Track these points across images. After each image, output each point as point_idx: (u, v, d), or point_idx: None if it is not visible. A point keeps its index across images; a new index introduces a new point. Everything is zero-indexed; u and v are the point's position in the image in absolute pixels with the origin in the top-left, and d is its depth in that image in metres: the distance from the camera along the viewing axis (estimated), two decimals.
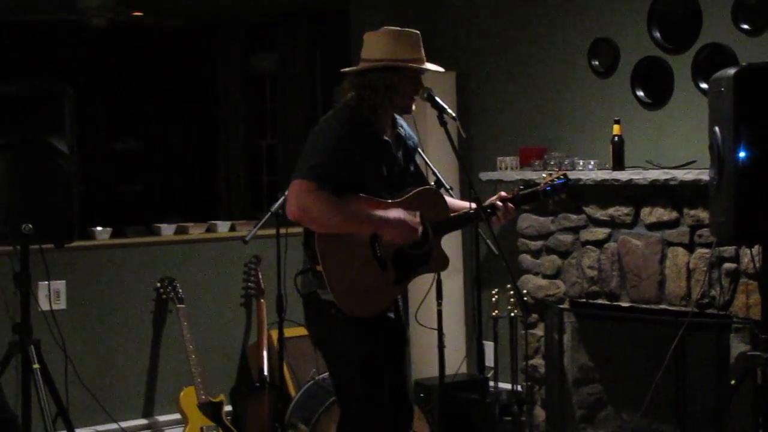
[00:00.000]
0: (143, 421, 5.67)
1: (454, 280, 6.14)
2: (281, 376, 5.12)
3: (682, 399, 5.05)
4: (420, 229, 3.79)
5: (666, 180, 4.96)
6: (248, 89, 9.37)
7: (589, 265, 5.43)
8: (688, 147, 5.16)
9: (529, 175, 5.51)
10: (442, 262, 3.96)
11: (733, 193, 4.05)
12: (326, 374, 5.10)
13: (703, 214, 4.88)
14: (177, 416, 5.52)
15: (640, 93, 5.48)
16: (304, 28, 8.08)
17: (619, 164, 5.28)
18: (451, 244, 6.07)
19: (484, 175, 5.79)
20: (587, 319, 5.56)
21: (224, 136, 9.42)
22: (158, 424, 5.69)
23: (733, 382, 4.47)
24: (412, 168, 3.99)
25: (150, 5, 8.26)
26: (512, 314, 5.59)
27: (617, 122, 5.29)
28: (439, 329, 4.39)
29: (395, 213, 3.76)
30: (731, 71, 4.08)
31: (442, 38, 6.28)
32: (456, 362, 5.62)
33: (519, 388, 5.69)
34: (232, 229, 6.10)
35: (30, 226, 4.44)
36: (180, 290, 5.58)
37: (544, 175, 4.07)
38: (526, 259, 5.74)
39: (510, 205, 3.92)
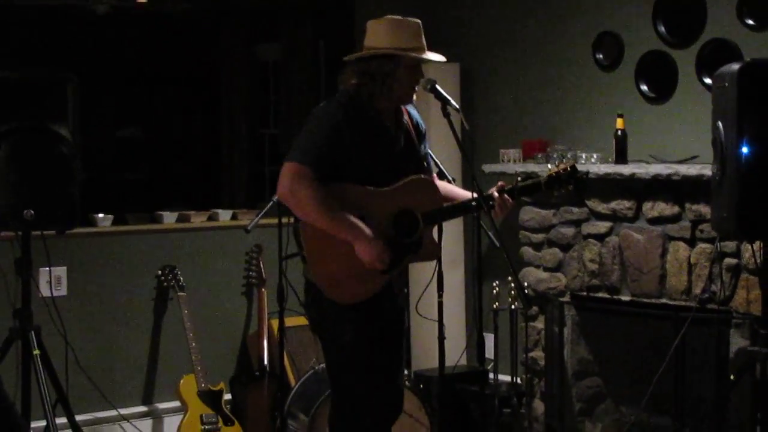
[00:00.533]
0: (143, 408, 5.67)
1: (455, 272, 6.14)
2: (281, 366, 5.13)
3: (682, 393, 5.06)
4: (383, 265, 3.78)
5: (668, 174, 4.96)
6: (251, 78, 9.34)
7: (590, 259, 5.43)
8: (691, 142, 5.16)
9: (531, 167, 5.50)
10: (433, 252, 3.96)
11: (735, 189, 4.06)
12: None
13: (704, 209, 4.88)
14: (177, 404, 5.53)
15: (644, 87, 5.47)
16: (307, 18, 8.05)
17: (621, 158, 5.28)
18: (453, 235, 6.07)
19: (487, 167, 5.78)
20: (588, 313, 5.57)
21: (227, 124, 9.39)
22: (158, 411, 5.70)
23: (732, 377, 4.48)
24: (416, 157, 3.98)
25: None
26: (513, 306, 5.59)
27: (620, 116, 5.29)
28: (440, 321, 4.39)
29: (372, 237, 3.74)
30: (735, 66, 4.08)
31: (447, 30, 6.27)
32: (456, 354, 5.62)
33: (518, 380, 5.70)
34: (234, 217, 6.10)
35: (32, 212, 4.45)
36: (181, 278, 5.59)
37: (549, 167, 4.03)
38: (527, 251, 5.74)
39: (507, 196, 3.90)
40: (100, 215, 5.71)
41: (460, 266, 6.26)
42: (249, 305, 5.97)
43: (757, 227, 4.13)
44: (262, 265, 5.78)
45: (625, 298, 5.31)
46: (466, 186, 4.07)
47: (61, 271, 5.41)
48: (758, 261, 4.41)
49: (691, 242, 5.01)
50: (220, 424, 5.34)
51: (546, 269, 5.66)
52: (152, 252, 5.71)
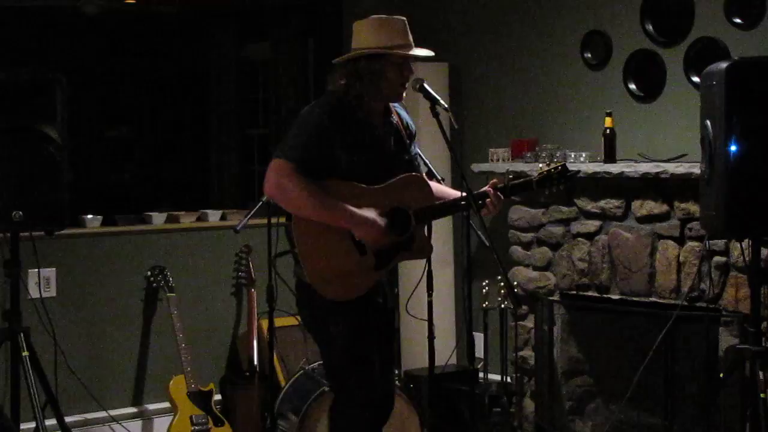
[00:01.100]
0: (132, 410, 5.66)
1: (444, 271, 6.15)
2: (271, 366, 5.13)
3: (671, 391, 5.07)
4: (385, 239, 3.79)
5: (657, 173, 4.96)
6: (240, 78, 9.34)
7: (579, 258, 5.44)
8: (679, 140, 5.16)
9: (520, 166, 5.51)
10: (425, 249, 3.98)
11: (723, 187, 4.06)
12: (316, 364, 5.11)
13: (693, 208, 4.89)
14: (166, 405, 5.52)
15: (633, 86, 5.48)
16: (296, 18, 8.05)
17: (610, 157, 5.28)
18: (442, 235, 6.08)
19: (476, 167, 5.79)
20: (577, 311, 5.57)
21: (216, 124, 9.39)
22: (147, 412, 5.69)
23: (721, 375, 4.48)
24: (406, 157, 3.99)
25: None
26: (502, 306, 5.60)
27: (609, 115, 5.29)
28: (430, 320, 4.40)
29: (369, 213, 3.77)
30: (723, 65, 4.08)
31: (435, 29, 6.27)
32: (446, 353, 5.62)
33: (508, 379, 5.70)
34: (223, 218, 6.09)
35: (20, 213, 4.44)
36: (170, 279, 5.58)
37: (540, 166, 4.05)
38: (516, 250, 5.74)
39: (499, 194, 3.92)
40: (89, 216, 5.70)
41: (450, 265, 6.26)
42: (238, 305, 5.97)
43: (746, 225, 4.14)
44: (251, 266, 5.77)
45: (615, 296, 5.32)
46: (455, 185, 4.07)
47: (50, 272, 5.40)
48: (747, 259, 4.42)
49: (680, 241, 5.02)
50: (210, 424, 5.33)
51: (535, 268, 5.66)
52: (141, 253, 5.70)
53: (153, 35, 9.34)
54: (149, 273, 5.63)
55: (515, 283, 5.63)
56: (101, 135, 9.62)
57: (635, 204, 5.19)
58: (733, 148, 4.04)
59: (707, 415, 4.83)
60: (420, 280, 4.32)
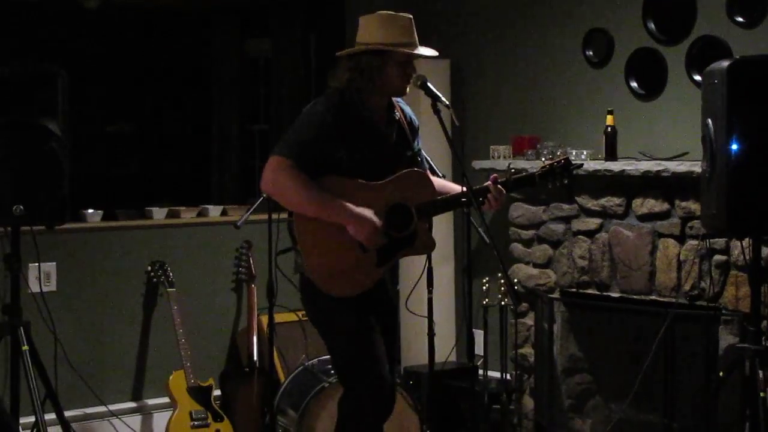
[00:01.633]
0: (132, 404, 5.67)
1: (444, 268, 6.14)
2: (271, 362, 5.12)
3: (671, 390, 5.07)
4: (378, 238, 3.79)
5: (658, 171, 4.96)
6: (242, 74, 9.34)
7: (580, 255, 5.44)
8: (680, 139, 5.16)
9: (521, 164, 5.50)
10: (428, 245, 3.97)
11: (724, 186, 4.06)
12: (316, 360, 5.11)
13: (694, 206, 4.89)
14: (166, 400, 5.52)
15: (634, 84, 5.48)
16: (299, 13, 8.05)
17: (611, 155, 5.28)
18: (443, 232, 6.07)
19: (477, 164, 5.79)
20: (577, 309, 5.57)
21: (217, 120, 9.39)
22: (147, 407, 5.69)
23: (721, 373, 4.48)
24: (408, 153, 3.99)
25: None
26: (502, 303, 5.59)
27: (610, 113, 5.29)
28: (429, 317, 4.39)
29: (365, 211, 3.77)
30: (725, 64, 4.08)
31: (437, 26, 6.27)
32: (446, 350, 5.62)
33: (508, 376, 5.70)
34: (224, 213, 6.09)
35: (21, 207, 4.43)
36: (171, 274, 5.58)
37: (543, 160, 4.05)
38: (517, 248, 5.74)
39: (500, 188, 3.91)
40: (90, 211, 5.70)
41: (450, 262, 6.26)
42: (239, 301, 5.97)
43: (747, 224, 4.14)
44: (251, 261, 5.77)
45: (615, 294, 5.32)
46: (456, 182, 4.07)
47: (50, 266, 5.40)
48: (747, 258, 4.42)
49: (681, 239, 5.02)
50: (210, 420, 5.33)
51: (536, 265, 5.66)
52: (142, 248, 5.70)
53: (155, 30, 9.33)
54: (149, 268, 5.63)
55: (515, 280, 5.63)
56: (102, 129, 9.62)
57: (636, 202, 5.19)
58: (734, 146, 4.04)
59: (707, 414, 4.83)
60: (420, 277, 4.32)
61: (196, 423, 5.29)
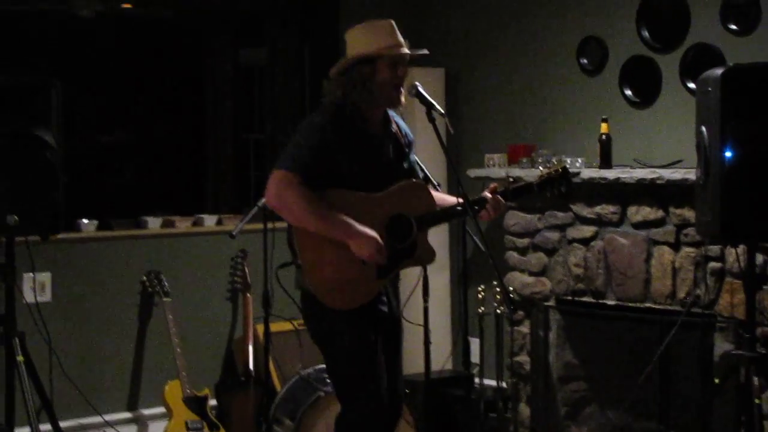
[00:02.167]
0: (128, 415, 5.66)
1: (440, 277, 6.15)
2: (267, 371, 5.12)
3: (666, 397, 5.07)
4: (381, 257, 3.79)
5: (653, 179, 4.97)
6: (236, 83, 9.34)
7: (575, 263, 5.44)
8: (675, 146, 5.17)
9: (517, 172, 5.50)
10: (428, 256, 3.97)
11: (719, 193, 4.07)
12: (311, 369, 5.11)
13: (689, 214, 4.90)
14: (162, 410, 5.51)
15: (628, 92, 5.48)
16: (293, 22, 8.05)
17: (606, 163, 5.28)
18: (438, 240, 6.07)
19: (472, 172, 5.79)
20: (573, 317, 5.57)
21: (212, 129, 9.38)
22: (143, 417, 5.68)
23: (716, 380, 4.49)
24: (405, 165, 3.99)
25: None
26: (498, 311, 5.59)
27: (605, 121, 5.30)
28: (425, 325, 4.40)
29: (368, 230, 3.76)
30: (719, 71, 4.09)
31: (432, 34, 6.28)
32: (442, 358, 5.63)
33: (504, 384, 5.70)
34: (219, 223, 6.09)
35: (15, 217, 4.43)
36: (166, 284, 5.57)
37: (540, 169, 4.06)
38: (512, 256, 5.75)
39: (500, 198, 3.93)
40: (85, 221, 5.69)
41: (446, 271, 6.26)
42: (234, 310, 5.96)
43: (741, 231, 4.14)
44: (247, 271, 5.77)
45: (610, 302, 5.32)
46: (451, 191, 4.08)
47: (45, 276, 5.39)
48: (742, 265, 4.42)
49: (676, 246, 5.02)
50: (206, 429, 5.32)
51: (531, 274, 5.66)
52: (137, 257, 5.70)
53: (149, 40, 9.33)
54: (145, 278, 5.63)
55: (511, 288, 5.63)
56: (96, 139, 9.61)
57: (631, 210, 5.20)
58: (728, 154, 4.04)
59: (702, 421, 4.83)
60: (416, 286, 4.32)
61: None
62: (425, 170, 4.26)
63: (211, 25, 9.26)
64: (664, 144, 5.28)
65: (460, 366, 5.58)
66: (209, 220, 6.06)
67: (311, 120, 3.85)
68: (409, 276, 4.33)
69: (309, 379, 5.08)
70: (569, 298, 5.51)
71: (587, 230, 5.39)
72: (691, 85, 5.06)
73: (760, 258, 4.54)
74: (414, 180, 3.96)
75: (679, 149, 5.08)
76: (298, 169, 3.69)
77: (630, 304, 5.22)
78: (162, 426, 5.41)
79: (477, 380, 5.70)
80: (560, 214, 5.50)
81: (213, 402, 5.53)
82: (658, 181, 4.95)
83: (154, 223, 5.90)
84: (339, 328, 3.81)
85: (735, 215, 4.07)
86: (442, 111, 3.87)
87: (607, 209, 5.29)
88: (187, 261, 5.86)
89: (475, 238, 4.46)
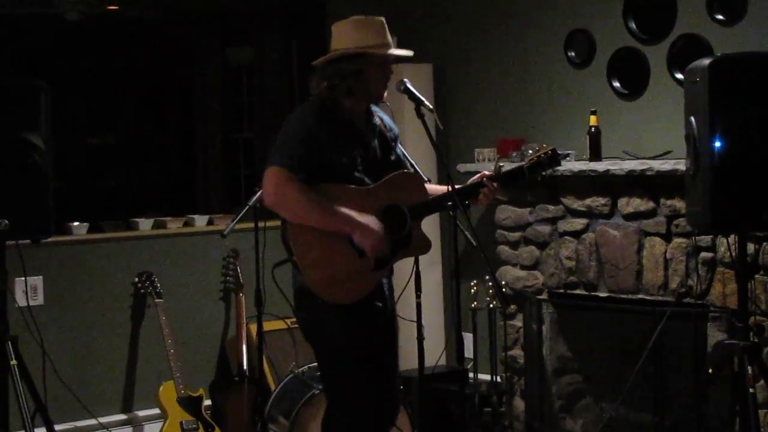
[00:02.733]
0: (122, 417, 5.65)
1: (432, 272, 6.15)
2: (260, 370, 5.12)
3: (660, 388, 5.08)
4: (383, 248, 3.79)
5: (643, 170, 4.97)
6: (224, 82, 9.34)
7: (566, 256, 5.45)
8: (664, 137, 5.18)
9: (506, 166, 5.50)
10: (423, 246, 3.97)
11: (708, 183, 4.07)
12: (305, 368, 5.11)
13: (679, 204, 4.90)
14: (156, 411, 5.51)
15: (617, 84, 5.49)
16: (280, 21, 8.05)
17: (596, 155, 5.29)
18: (430, 235, 6.03)
19: (462, 167, 5.79)
20: (566, 310, 5.58)
21: (201, 129, 9.38)
22: (137, 419, 5.68)
23: (710, 370, 4.49)
24: (392, 158, 3.99)
25: None
26: (491, 305, 5.60)
27: (594, 113, 5.30)
28: (419, 321, 4.40)
29: (369, 220, 3.76)
30: (706, 61, 4.09)
31: (419, 30, 6.28)
32: (435, 354, 5.61)
33: (498, 379, 5.71)
34: (210, 222, 6.08)
35: (6, 221, 4.41)
36: (158, 285, 5.57)
37: (530, 152, 4.06)
38: (504, 250, 5.75)
39: (493, 183, 3.93)
40: (75, 223, 5.68)
41: (438, 266, 6.26)
42: (227, 310, 5.96)
43: (732, 221, 4.15)
44: (239, 270, 5.77)
45: (603, 294, 5.32)
46: (442, 185, 4.07)
47: (37, 280, 5.39)
48: (733, 254, 4.43)
49: (667, 237, 5.03)
50: (201, 430, 5.32)
51: (523, 267, 5.67)
52: (128, 259, 5.69)
53: (136, 41, 9.32)
54: (137, 279, 5.62)
55: (503, 282, 5.63)
56: (85, 141, 9.59)
57: (621, 201, 5.20)
58: (717, 144, 4.05)
59: (697, 411, 4.84)
60: (408, 282, 4.32)
61: None
62: (415, 165, 4.26)
63: (198, 25, 9.26)
64: (654, 135, 5.29)
65: (454, 361, 5.58)
66: (200, 221, 6.06)
67: (296, 114, 3.84)
68: (402, 272, 4.33)
69: (303, 377, 5.08)
70: (562, 291, 5.51)
71: (578, 223, 5.40)
72: (679, 76, 5.06)
73: (751, 247, 4.54)
74: (405, 171, 3.96)
75: (669, 140, 5.09)
76: (291, 164, 3.68)
77: (622, 296, 5.23)
78: (157, 427, 5.41)
79: (471, 375, 5.70)
80: (551, 207, 5.50)
81: (208, 402, 5.52)
82: (648, 173, 4.95)
83: (145, 225, 5.89)
84: (331, 325, 3.80)
85: (725, 205, 4.08)
86: (431, 106, 3.87)
87: (597, 201, 5.30)
88: (178, 261, 5.85)
89: (466, 233, 4.46)
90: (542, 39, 5.83)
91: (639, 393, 5.18)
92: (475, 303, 5.60)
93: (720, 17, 5.03)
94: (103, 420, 5.50)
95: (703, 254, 4.86)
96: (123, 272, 5.65)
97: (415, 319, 4.41)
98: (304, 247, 3.75)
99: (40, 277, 5.41)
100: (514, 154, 5.61)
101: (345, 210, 3.73)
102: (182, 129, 9.65)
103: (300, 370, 5.15)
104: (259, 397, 5.18)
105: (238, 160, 9.34)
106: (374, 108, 3.97)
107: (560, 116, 5.75)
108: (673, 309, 4.86)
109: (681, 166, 4.60)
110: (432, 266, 6.13)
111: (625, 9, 5.40)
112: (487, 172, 3.98)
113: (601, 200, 5.28)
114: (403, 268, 4.30)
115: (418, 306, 4.43)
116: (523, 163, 4.02)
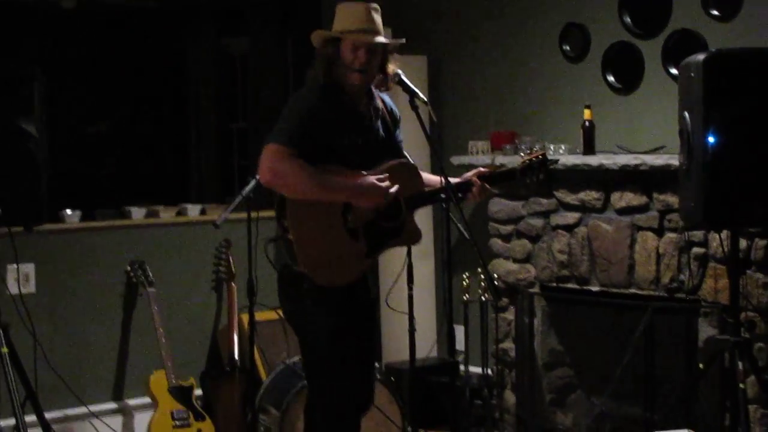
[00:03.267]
0: (113, 405, 5.65)
1: (425, 264, 6.15)
2: (252, 360, 5.12)
3: (651, 382, 5.09)
4: (392, 189, 3.80)
5: (636, 165, 4.98)
6: (219, 72, 9.32)
7: (559, 250, 5.45)
8: (658, 132, 5.18)
9: (500, 159, 5.52)
10: (415, 235, 3.99)
11: (702, 178, 4.08)
12: (296, 358, 5.11)
13: (672, 199, 4.91)
14: (147, 400, 5.51)
15: (611, 78, 5.49)
16: (275, 11, 8.04)
17: (589, 149, 5.29)
18: (422, 227, 6.03)
19: (456, 159, 5.80)
20: (557, 303, 5.59)
21: (195, 119, 9.37)
22: (128, 407, 5.68)
23: (701, 365, 4.50)
24: (392, 141, 4.00)
25: None
26: (483, 298, 5.60)
27: (588, 107, 5.31)
28: (410, 313, 4.40)
29: (365, 180, 3.78)
30: (701, 57, 4.10)
31: (414, 22, 6.27)
32: (427, 346, 5.63)
33: (489, 371, 5.71)
34: (203, 212, 6.07)
35: None
36: (150, 273, 5.56)
37: (522, 155, 4.09)
38: (496, 243, 5.75)
39: (485, 185, 3.95)
40: (68, 211, 5.67)
41: (430, 258, 6.26)
42: (219, 300, 5.96)
43: (724, 216, 4.16)
44: (231, 260, 5.76)
45: (595, 288, 5.33)
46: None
47: (29, 267, 5.38)
48: (726, 250, 4.44)
49: (659, 232, 5.03)
50: (191, 419, 5.32)
51: (515, 260, 5.67)
52: (121, 247, 5.69)
53: (132, 29, 9.30)
54: (129, 268, 5.61)
55: (495, 275, 5.64)
56: (79, 129, 9.57)
57: (614, 196, 5.21)
58: (711, 139, 4.06)
59: (687, 406, 4.85)
60: (400, 273, 4.33)
61: (177, 423, 5.28)
62: (408, 157, 4.26)
63: (193, 14, 9.24)
64: (647, 130, 5.29)
65: (446, 354, 5.59)
66: (193, 210, 6.05)
67: (300, 93, 3.88)
68: (394, 264, 4.33)
69: (294, 367, 5.08)
70: (554, 284, 5.52)
71: (571, 217, 5.40)
72: (674, 71, 5.07)
73: (743, 243, 4.55)
74: (403, 160, 3.97)
75: (662, 135, 5.10)
76: (288, 141, 3.68)
77: (614, 290, 5.24)
78: (147, 416, 5.41)
79: (462, 367, 5.71)
80: (544, 201, 5.51)
81: (198, 392, 5.52)
82: (642, 167, 4.96)
83: (137, 213, 5.88)
84: (313, 309, 3.82)
85: (718, 200, 4.09)
86: (425, 99, 3.87)
87: (590, 195, 5.30)
88: (171, 251, 5.85)
89: (459, 225, 4.46)
90: (537, 32, 5.83)
91: (629, 387, 5.19)
92: (467, 295, 5.60)
93: (715, 12, 5.03)
94: (94, 408, 5.50)
95: (696, 249, 4.87)
96: (115, 261, 5.64)
97: (406, 310, 4.41)
98: (300, 226, 3.76)
99: (32, 264, 5.40)
100: (507, 147, 5.61)
101: (340, 179, 3.75)
102: (176, 118, 9.64)
103: (291, 360, 5.15)
104: (250, 388, 5.17)
105: (232, 150, 9.33)
106: (375, 90, 3.98)
107: (554, 110, 5.75)
108: (665, 304, 4.87)
109: (674, 161, 4.60)
110: (424, 258, 6.13)
111: (620, 3, 5.40)
112: (482, 169, 3.99)
113: (594, 194, 5.29)
114: (396, 259, 4.30)
115: (410, 298, 4.42)
116: (516, 165, 4.04)
